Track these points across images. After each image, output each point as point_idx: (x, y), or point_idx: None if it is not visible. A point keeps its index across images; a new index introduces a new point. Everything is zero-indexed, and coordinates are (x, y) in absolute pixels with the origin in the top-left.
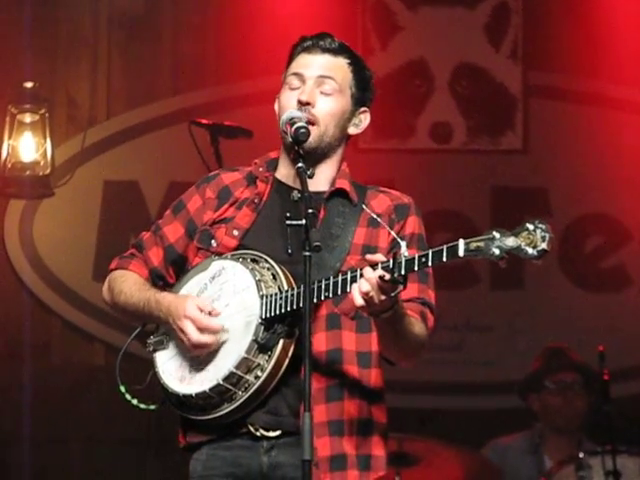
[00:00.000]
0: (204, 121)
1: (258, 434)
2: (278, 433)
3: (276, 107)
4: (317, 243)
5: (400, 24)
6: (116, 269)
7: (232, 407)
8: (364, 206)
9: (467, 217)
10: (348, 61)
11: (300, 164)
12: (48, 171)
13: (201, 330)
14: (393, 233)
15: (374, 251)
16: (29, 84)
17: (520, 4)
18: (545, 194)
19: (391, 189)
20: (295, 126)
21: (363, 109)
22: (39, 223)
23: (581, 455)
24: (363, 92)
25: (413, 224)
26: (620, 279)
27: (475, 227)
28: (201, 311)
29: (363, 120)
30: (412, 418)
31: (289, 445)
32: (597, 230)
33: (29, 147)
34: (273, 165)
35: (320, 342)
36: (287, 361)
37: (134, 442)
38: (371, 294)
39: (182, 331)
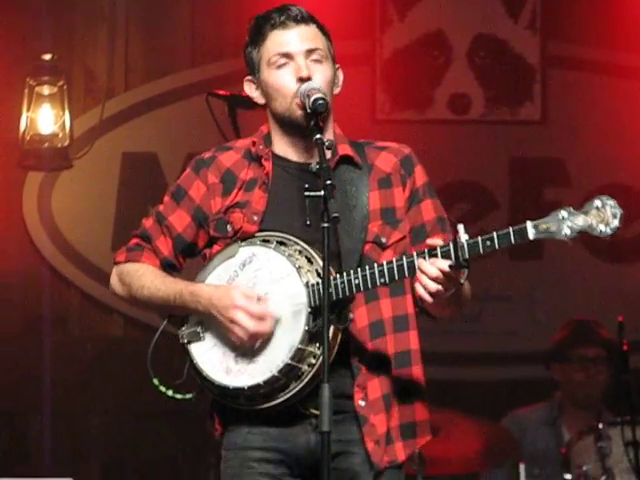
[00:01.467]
0: (221, 92)
1: (307, 412)
2: None
3: (249, 89)
4: (336, 214)
5: None
6: (126, 262)
7: (286, 397)
8: (370, 167)
9: (485, 188)
10: (316, 25)
11: (318, 136)
12: (67, 143)
13: (255, 319)
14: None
15: (393, 213)
16: (47, 56)
17: None
18: (563, 165)
19: (386, 142)
20: (313, 98)
21: (337, 66)
22: (58, 195)
23: (600, 426)
24: (334, 50)
25: (421, 174)
26: (639, 249)
27: (494, 198)
28: (253, 302)
29: (340, 77)
30: (431, 389)
31: (337, 423)
32: (616, 200)
33: (48, 119)
34: (269, 140)
35: (362, 317)
36: (337, 347)
37: (151, 413)
38: (439, 288)
39: (234, 322)
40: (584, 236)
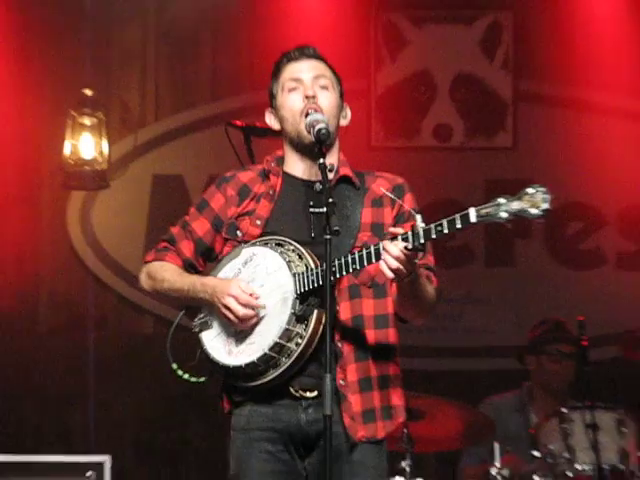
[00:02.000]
0: (238, 123)
1: (298, 395)
2: (315, 394)
3: (269, 118)
4: (337, 228)
5: (407, 39)
6: (154, 260)
7: (277, 373)
8: (366, 190)
9: (464, 206)
10: (326, 65)
11: (322, 160)
12: (104, 166)
13: (243, 305)
14: (409, 208)
15: (381, 227)
16: (88, 91)
17: (511, 22)
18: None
19: (385, 173)
20: (317, 127)
21: (345, 104)
22: (97, 211)
23: (564, 410)
24: (342, 90)
25: (410, 200)
26: (597, 258)
27: None
28: (244, 291)
29: (348, 113)
30: (418, 378)
31: (322, 404)
32: (577, 216)
33: (88, 146)
34: (281, 161)
35: (345, 310)
36: (322, 328)
37: (179, 399)
38: (399, 267)
39: (227, 307)
40: (550, 246)
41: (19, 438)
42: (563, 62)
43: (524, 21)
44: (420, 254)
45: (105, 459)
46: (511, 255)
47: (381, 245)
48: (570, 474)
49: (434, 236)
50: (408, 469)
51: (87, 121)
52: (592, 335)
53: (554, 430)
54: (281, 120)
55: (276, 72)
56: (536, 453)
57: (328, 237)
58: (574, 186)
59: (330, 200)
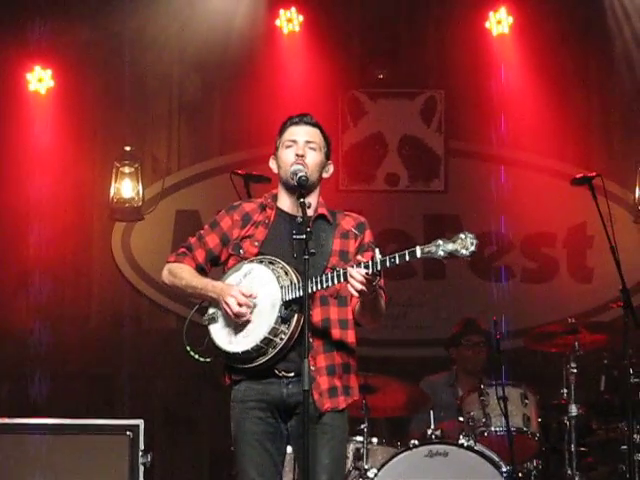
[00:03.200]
0: (240, 171)
1: (280, 375)
2: (293, 374)
3: (271, 163)
4: (313, 250)
5: (365, 110)
6: (175, 262)
7: (265, 359)
8: (337, 225)
9: (408, 234)
10: (319, 131)
11: (302, 200)
12: (140, 204)
13: (239, 305)
14: (377, 255)
15: (346, 254)
16: (128, 147)
17: (443, 97)
18: (459, 220)
19: (352, 212)
20: (298, 175)
21: (329, 161)
22: (134, 237)
23: (482, 386)
24: (328, 150)
25: (369, 235)
26: (507, 273)
27: (413, 240)
28: (243, 295)
29: (330, 168)
30: (374, 362)
31: (299, 382)
32: (492, 242)
33: (128, 188)
34: (275, 198)
35: (317, 314)
36: (299, 328)
37: (196, 377)
38: (362, 288)
39: (227, 304)
40: (472, 264)
41: (73, 406)
42: (483, 127)
43: (453, 96)
44: (378, 278)
45: (139, 422)
46: (443, 271)
47: (348, 271)
48: (486, 434)
49: (388, 265)
50: (365, 430)
51: (127, 170)
52: (503, 330)
53: (475, 401)
54: (278, 167)
55: (281, 130)
56: (461, 418)
57: (306, 257)
58: (490, 219)
59: (308, 229)
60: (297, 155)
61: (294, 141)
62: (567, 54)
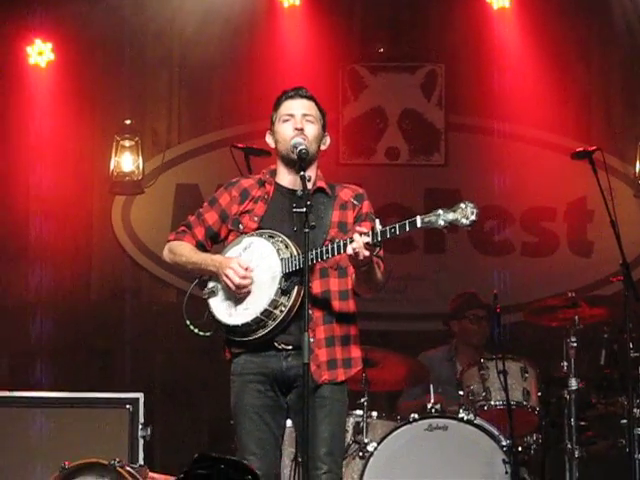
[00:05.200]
0: (240, 145)
1: (280, 347)
2: (292, 347)
3: (268, 138)
4: (313, 224)
5: (366, 83)
6: (175, 240)
7: (265, 331)
8: (336, 197)
9: (408, 208)
10: (314, 103)
11: (302, 173)
12: (140, 177)
13: (239, 277)
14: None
15: (345, 225)
16: (128, 121)
17: (443, 71)
18: (459, 193)
19: (350, 184)
20: (299, 148)
21: (326, 133)
22: (134, 211)
23: (482, 360)
24: (324, 122)
25: (367, 206)
26: (507, 247)
27: (414, 214)
28: (241, 267)
29: (327, 140)
30: (374, 336)
31: (298, 355)
32: (492, 216)
33: (128, 162)
34: (274, 173)
35: (317, 286)
36: (300, 300)
37: (196, 351)
38: (360, 252)
39: (227, 277)
40: (472, 238)
41: (75, 379)
42: (483, 100)
43: (454, 70)
44: (377, 249)
45: (139, 396)
46: (443, 244)
47: (348, 243)
48: (486, 408)
49: (388, 236)
50: (365, 404)
51: (127, 143)
52: (503, 304)
53: (474, 375)
54: (276, 141)
55: (276, 105)
56: (461, 392)
57: (306, 230)
58: (490, 193)
59: (308, 203)
60: (296, 129)
61: (291, 115)
62: (567, 27)
